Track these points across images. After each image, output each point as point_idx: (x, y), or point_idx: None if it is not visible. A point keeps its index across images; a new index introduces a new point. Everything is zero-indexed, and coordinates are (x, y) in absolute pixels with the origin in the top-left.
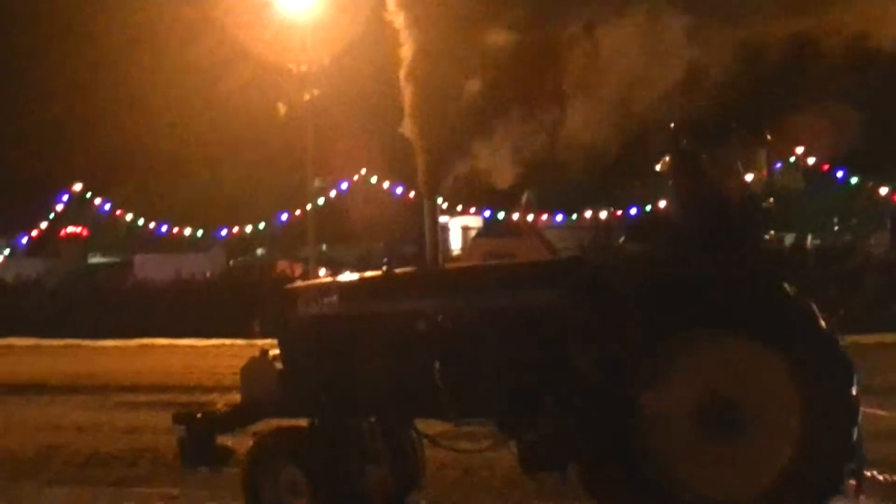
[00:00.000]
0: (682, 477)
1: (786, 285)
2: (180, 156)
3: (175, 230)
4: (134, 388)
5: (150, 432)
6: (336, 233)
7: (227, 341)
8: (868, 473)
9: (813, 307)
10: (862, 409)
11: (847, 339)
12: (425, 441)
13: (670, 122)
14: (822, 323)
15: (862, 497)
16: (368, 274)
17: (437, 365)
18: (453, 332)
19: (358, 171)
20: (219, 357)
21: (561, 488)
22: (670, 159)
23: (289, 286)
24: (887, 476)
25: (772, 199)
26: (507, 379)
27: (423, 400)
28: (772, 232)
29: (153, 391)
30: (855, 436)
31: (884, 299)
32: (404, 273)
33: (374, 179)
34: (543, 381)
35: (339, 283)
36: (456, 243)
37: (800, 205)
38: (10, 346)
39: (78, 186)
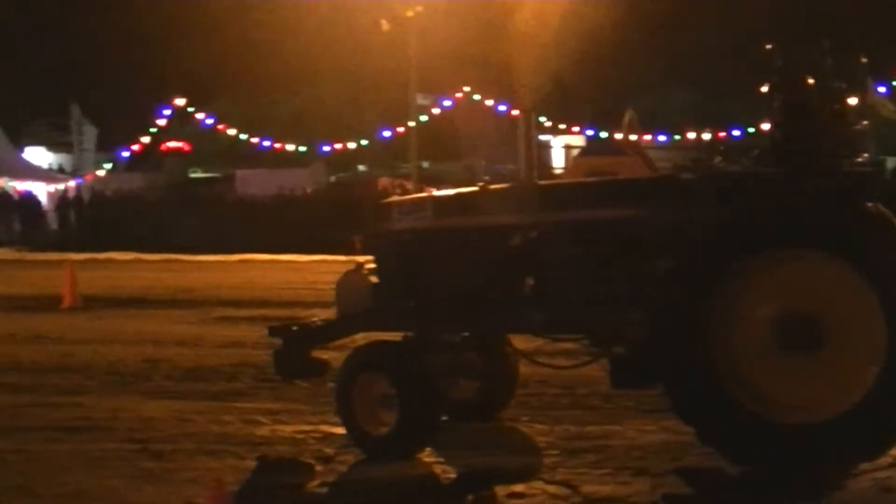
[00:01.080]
0: (765, 394)
1: (867, 204)
2: (283, 71)
3: (277, 145)
4: (234, 303)
5: (251, 347)
6: (438, 150)
7: (328, 257)
8: None
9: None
10: None
11: None
12: (525, 358)
13: (768, 44)
14: None
15: None
16: (464, 189)
17: (528, 280)
18: (545, 247)
19: (461, 89)
20: (319, 273)
21: (658, 405)
22: (772, 82)
23: (385, 200)
24: None
25: (865, 123)
26: (596, 294)
27: (515, 315)
28: (865, 154)
29: (253, 306)
30: None
31: None
32: (499, 188)
33: (476, 97)
34: (632, 297)
35: (435, 197)
36: (558, 161)
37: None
38: (110, 260)
39: (180, 101)
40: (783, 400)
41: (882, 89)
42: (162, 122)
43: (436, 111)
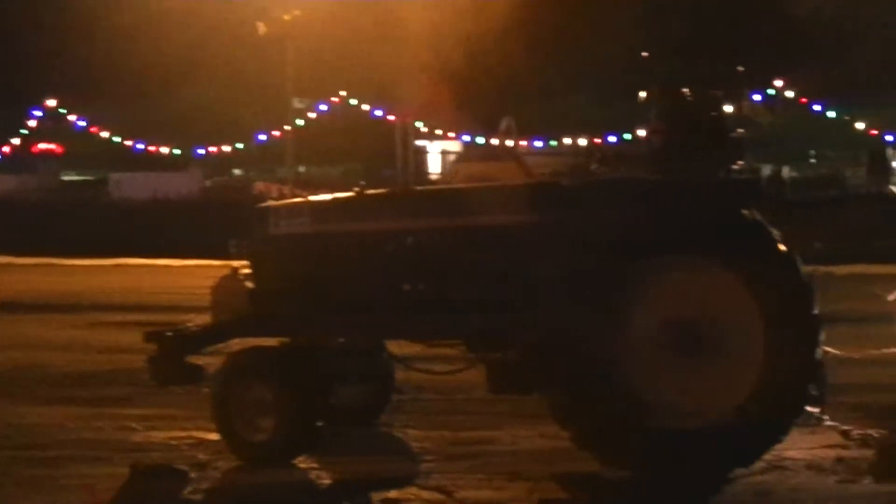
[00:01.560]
0: (646, 399)
1: (747, 211)
2: (158, 73)
3: (152, 148)
4: (109, 308)
5: (126, 352)
6: (314, 154)
7: (204, 262)
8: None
9: (773, 232)
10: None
11: (821, 269)
12: (401, 363)
13: (643, 52)
14: (783, 247)
15: (825, 419)
16: (341, 194)
17: (405, 285)
18: (422, 252)
19: (337, 93)
20: (194, 277)
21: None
22: (650, 89)
23: (261, 205)
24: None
25: (741, 130)
26: (475, 300)
27: (394, 320)
28: (741, 161)
29: (128, 311)
30: (817, 355)
31: (859, 231)
32: (376, 193)
33: (353, 101)
34: (512, 303)
35: (312, 202)
36: (435, 167)
37: (777, 137)
38: None
39: (52, 102)
40: (663, 405)
41: (757, 97)
42: (33, 123)
43: (312, 115)
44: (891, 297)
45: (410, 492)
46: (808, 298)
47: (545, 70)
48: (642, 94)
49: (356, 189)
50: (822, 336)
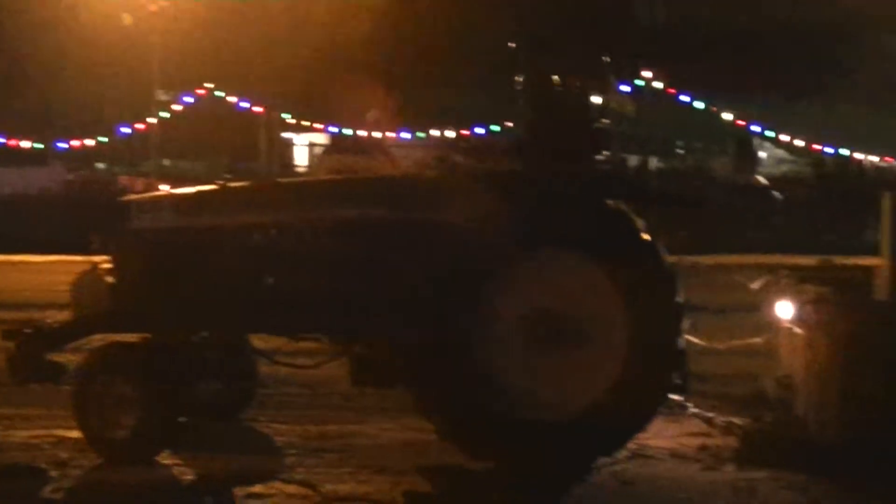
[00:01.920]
0: (514, 390)
1: (612, 202)
2: (18, 65)
3: (12, 142)
4: None
5: None
6: (180, 147)
7: (64, 257)
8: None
9: (638, 222)
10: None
11: (686, 259)
12: (264, 358)
13: (510, 43)
14: (647, 237)
15: (688, 407)
16: (204, 187)
17: (269, 279)
18: (285, 246)
19: (203, 85)
20: (54, 273)
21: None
22: (517, 81)
23: (123, 198)
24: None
25: (607, 121)
26: (338, 294)
27: (256, 314)
28: (606, 153)
29: None
30: (680, 345)
31: (725, 221)
32: (239, 187)
33: (220, 93)
34: (375, 297)
35: (174, 195)
36: (302, 159)
37: (643, 128)
38: None
39: None
40: (528, 396)
41: (625, 88)
42: None
43: (177, 108)
44: (755, 286)
45: (275, 486)
46: (671, 288)
47: (413, 62)
48: (510, 86)
49: (219, 182)
50: (686, 325)
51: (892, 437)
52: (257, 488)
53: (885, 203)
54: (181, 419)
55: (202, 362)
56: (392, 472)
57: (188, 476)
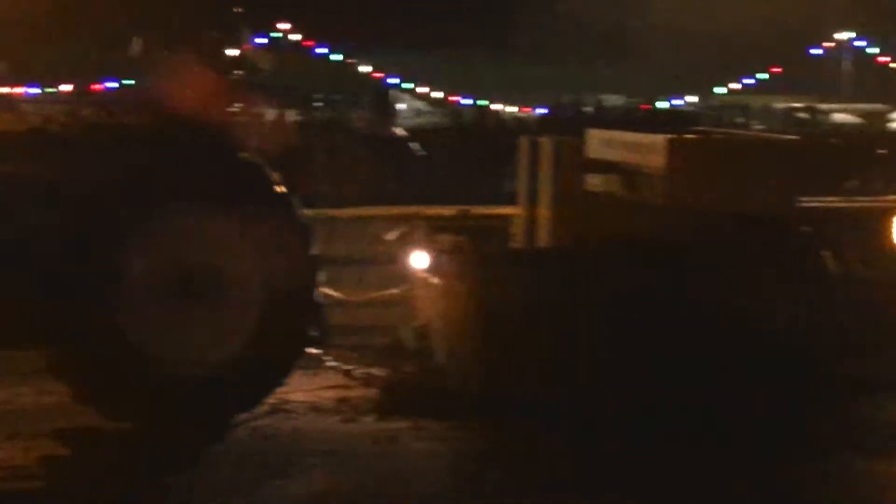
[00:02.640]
0: (150, 349)
1: (246, 154)
2: None
3: None
4: None
5: None
6: None
7: None
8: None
9: (271, 174)
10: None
11: (325, 212)
12: None
13: None
14: (281, 189)
15: (327, 360)
16: None
17: None
18: None
19: None
20: None
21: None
22: (142, 39)
23: None
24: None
25: (241, 72)
26: None
27: None
28: (241, 104)
29: None
30: (317, 298)
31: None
32: None
33: None
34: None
35: None
36: None
37: (281, 80)
38: None
39: None
40: (164, 354)
41: (262, 40)
42: None
43: None
44: (391, 238)
45: None
46: (305, 240)
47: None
48: (137, 40)
49: None
50: (322, 278)
51: (529, 383)
52: None
53: (522, 146)
54: None
55: None
56: (25, 437)
57: None
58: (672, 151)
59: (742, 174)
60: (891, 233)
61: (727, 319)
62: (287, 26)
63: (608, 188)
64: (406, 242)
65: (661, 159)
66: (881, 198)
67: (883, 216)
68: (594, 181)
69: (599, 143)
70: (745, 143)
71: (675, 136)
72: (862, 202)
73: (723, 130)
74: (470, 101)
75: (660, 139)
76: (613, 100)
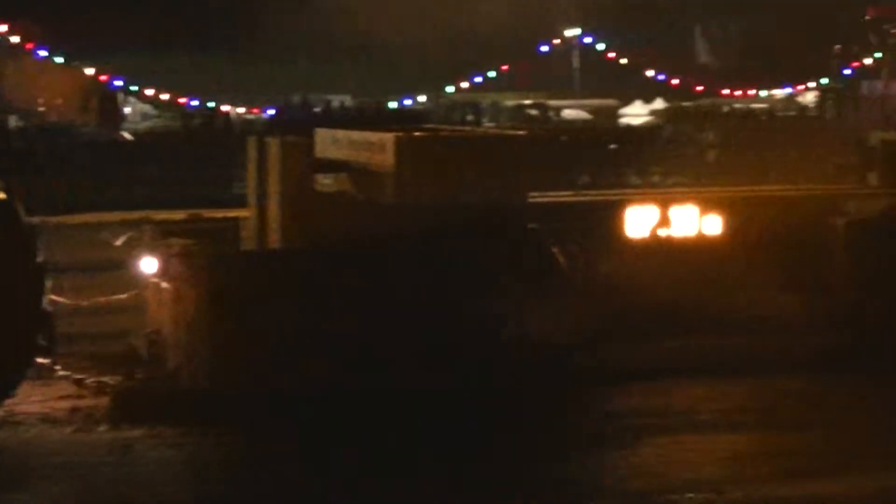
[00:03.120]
0: None
1: None
2: None
3: None
4: None
5: None
6: None
7: None
8: None
9: None
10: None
11: (51, 220)
12: None
13: None
14: (3, 196)
15: (57, 369)
16: None
17: None
18: None
19: None
20: None
21: None
22: None
23: None
24: None
25: None
26: None
27: None
28: None
29: None
30: (44, 306)
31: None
32: None
33: None
34: None
35: None
36: None
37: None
38: None
39: None
40: None
41: None
42: None
43: None
44: (118, 243)
45: None
46: (30, 248)
47: None
48: None
49: None
50: (49, 285)
51: (257, 383)
52: None
53: (250, 147)
54: None
55: None
56: None
57: None
58: (399, 149)
59: (471, 170)
60: (622, 225)
61: (455, 315)
62: (4, 28)
63: (340, 187)
64: (135, 247)
65: (390, 157)
66: (613, 191)
67: (613, 209)
68: (326, 181)
69: (329, 142)
70: (473, 140)
71: (402, 133)
72: (593, 195)
73: (450, 127)
74: (197, 103)
75: (388, 137)
76: (342, 100)
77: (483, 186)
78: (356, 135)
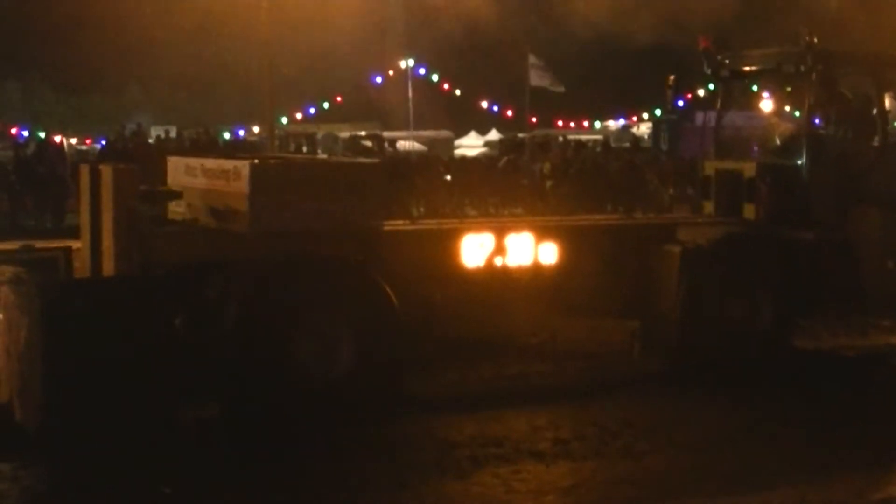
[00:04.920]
0: None
1: None
2: None
3: None
4: None
5: None
6: None
7: None
8: None
9: None
10: None
11: None
12: None
13: None
14: None
15: None
16: None
17: None
18: None
19: None
20: None
21: None
22: None
23: None
24: None
25: None
26: None
27: None
28: None
29: None
30: None
31: None
32: None
33: None
34: None
35: None
36: None
37: None
38: None
39: None
40: None
41: None
42: None
43: None
44: None
45: None
46: None
47: None
48: None
49: None
50: None
51: (95, 415)
52: None
53: (83, 175)
54: None
55: None
56: None
57: None
58: (255, 176)
59: (325, 197)
60: (458, 253)
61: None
62: None
63: (191, 214)
64: None
65: (244, 184)
66: (447, 221)
67: (448, 238)
68: (178, 209)
69: (182, 170)
70: (328, 167)
71: (257, 161)
72: (426, 224)
73: (284, 156)
74: (27, 133)
75: (243, 165)
76: (167, 130)
77: (334, 214)
78: (210, 162)
